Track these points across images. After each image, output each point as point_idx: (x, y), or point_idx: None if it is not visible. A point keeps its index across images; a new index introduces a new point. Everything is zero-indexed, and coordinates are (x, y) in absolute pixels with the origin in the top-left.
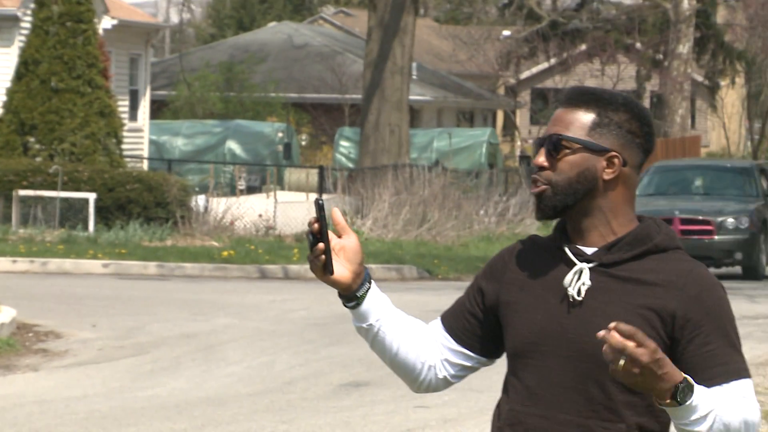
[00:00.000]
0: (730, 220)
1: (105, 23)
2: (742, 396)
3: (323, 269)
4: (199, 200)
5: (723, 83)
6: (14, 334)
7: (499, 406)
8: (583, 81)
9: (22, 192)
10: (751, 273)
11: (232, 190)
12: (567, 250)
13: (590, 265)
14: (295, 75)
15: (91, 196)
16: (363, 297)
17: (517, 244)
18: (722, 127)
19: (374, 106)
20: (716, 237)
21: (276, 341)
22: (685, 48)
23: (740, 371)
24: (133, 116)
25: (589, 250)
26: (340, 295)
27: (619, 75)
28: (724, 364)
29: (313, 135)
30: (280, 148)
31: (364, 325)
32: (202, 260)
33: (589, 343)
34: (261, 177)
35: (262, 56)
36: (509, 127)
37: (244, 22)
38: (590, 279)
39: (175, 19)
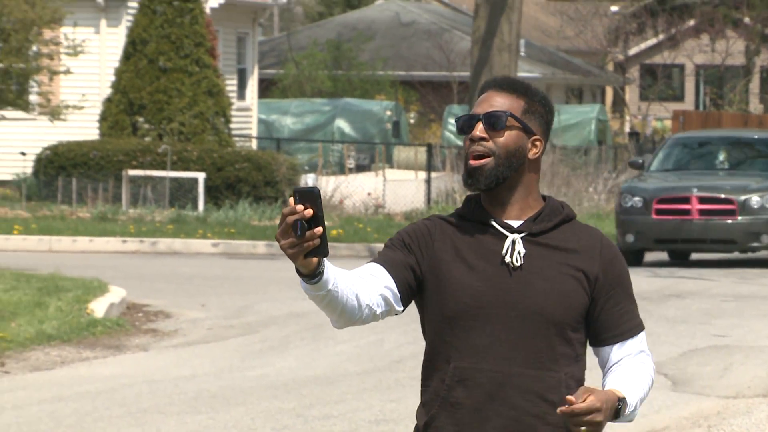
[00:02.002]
0: (756, 198)
1: (212, 2)
2: (641, 350)
3: (311, 253)
4: (309, 179)
5: None
6: (124, 314)
7: (436, 369)
8: (691, 56)
9: (132, 172)
10: None
11: (341, 169)
12: (495, 223)
13: (521, 235)
14: (403, 53)
15: (201, 176)
16: (323, 270)
17: (434, 219)
18: None
19: (482, 83)
20: (739, 218)
21: (385, 320)
22: None
23: (640, 325)
24: (242, 95)
25: (514, 223)
26: (302, 274)
27: (728, 50)
28: (630, 320)
29: (421, 113)
30: (389, 126)
31: (323, 293)
32: None
33: (534, 303)
34: (370, 155)
35: (369, 34)
36: (618, 104)
37: (352, 0)
38: (523, 247)
39: None
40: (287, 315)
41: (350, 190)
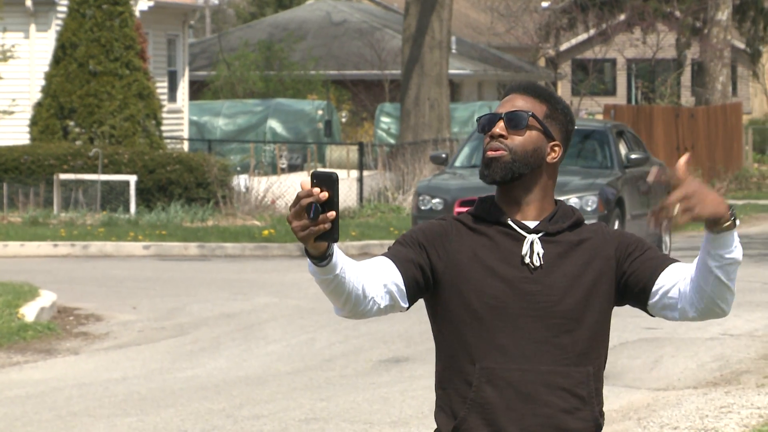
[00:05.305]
0: (573, 199)
1: (141, 5)
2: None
3: (321, 237)
4: (241, 180)
5: (764, 50)
6: (55, 318)
7: (458, 371)
8: (623, 51)
9: (63, 176)
10: None
11: (273, 169)
12: (512, 224)
13: (539, 235)
14: (335, 52)
15: (132, 179)
16: (332, 254)
17: (449, 219)
18: (764, 94)
19: (414, 81)
20: None
21: (316, 319)
22: (724, 15)
23: (675, 259)
24: (172, 97)
25: (530, 224)
26: (311, 256)
27: (659, 43)
28: (663, 257)
29: (353, 112)
30: (321, 125)
31: (330, 277)
32: (242, 240)
33: (556, 301)
34: (302, 155)
35: (301, 34)
36: None
37: (284, 0)
38: (541, 247)
39: None
40: (218, 316)
41: (282, 190)
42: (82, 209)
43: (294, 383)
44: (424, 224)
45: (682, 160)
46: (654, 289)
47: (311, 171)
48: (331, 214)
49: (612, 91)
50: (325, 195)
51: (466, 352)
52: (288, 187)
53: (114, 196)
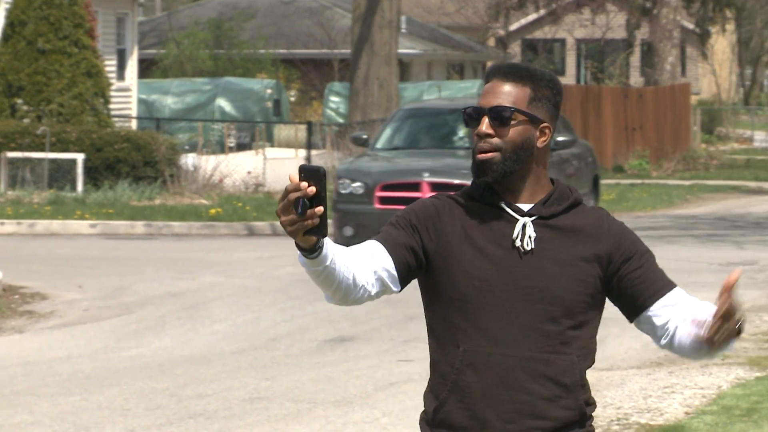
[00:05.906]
0: None
1: None
2: (689, 296)
3: (309, 231)
4: (189, 158)
5: (713, 30)
6: (0, 297)
7: (444, 353)
8: (572, 31)
9: (10, 154)
10: None
11: (221, 148)
12: (506, 207)
13: (532, 218)
14: (284, 31)
15: (80, 157)
16: (322, 246)
17: (442, 198)
18: (713, 74)
19: (363, 60)
20: None
21: (262, 298)
22: None
23: (673, 283)
24: (121, 76)
25: (524, 207)
26: (301, 248)
27: (609, 24)
28: (662, 279)
29: (302, 91)
30: (270, 104)
31: (320, 269)
32: (189, 218)
33: (544, 287)
34: (251, 134)
35: (251, 13)
36: None
37: None
38: (533, 231)
39: None
40: (164, 295)
41: (230, 168)
42: (29, 187)
43: (239, 362)
44: (418, 204)
45: (734, 276)
46: (648, 314)
47: (300, 165)
48: (319, 209)
49: (561, 72)
50: (312, 190)
51: (452, 334)
52: (236, 166)
53: (61, 174)
